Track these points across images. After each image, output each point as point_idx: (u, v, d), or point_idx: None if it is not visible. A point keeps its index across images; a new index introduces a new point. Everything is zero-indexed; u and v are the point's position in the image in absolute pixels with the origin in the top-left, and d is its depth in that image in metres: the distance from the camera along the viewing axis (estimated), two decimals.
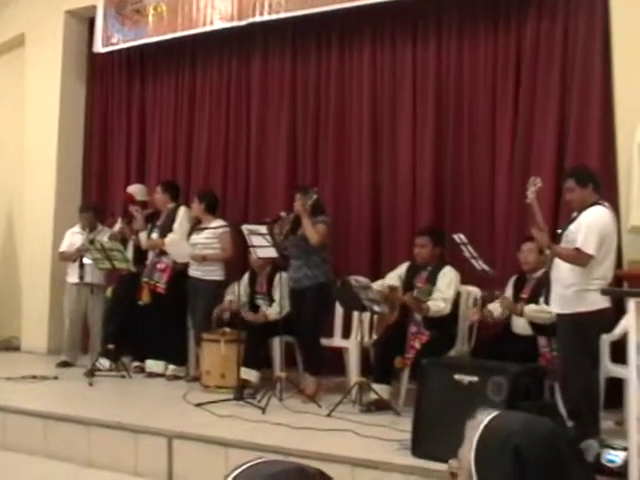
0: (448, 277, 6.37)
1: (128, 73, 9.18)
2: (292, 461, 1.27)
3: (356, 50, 7.68)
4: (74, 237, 8.35)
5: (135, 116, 9.09)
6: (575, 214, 5.19)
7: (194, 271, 7.42)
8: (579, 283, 5.01)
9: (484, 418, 1.61)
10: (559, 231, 5.19)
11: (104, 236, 8.07)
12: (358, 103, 7.65)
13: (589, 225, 5.02)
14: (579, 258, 4.98)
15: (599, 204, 5.13)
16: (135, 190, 8.16)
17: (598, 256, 5.00)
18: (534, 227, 5.21)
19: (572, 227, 5.10)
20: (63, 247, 8.41)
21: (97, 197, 9.15)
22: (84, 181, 9.39)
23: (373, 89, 7.57)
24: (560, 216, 6.16)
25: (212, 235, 7.41)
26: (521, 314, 5.89)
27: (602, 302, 4.97)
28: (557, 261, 5.14)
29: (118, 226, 8.03)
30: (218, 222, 7.50)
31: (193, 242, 7.42)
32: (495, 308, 6.09)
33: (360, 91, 7.64)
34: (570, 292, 5.04)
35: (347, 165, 7.70)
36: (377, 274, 6.91)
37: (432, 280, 6.39)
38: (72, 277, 8.25)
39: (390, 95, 7.49)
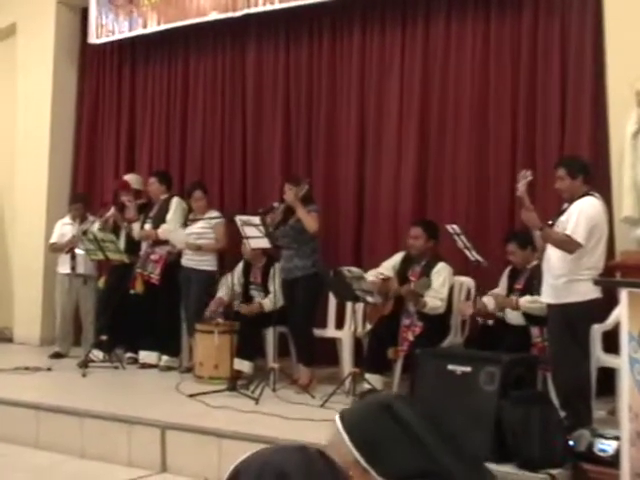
0: (442, 276, 6.36)
1: (120, 62, 9.14)
2: (293, 442, 1.35)
3: (346, 38, 7.68)
4: (64, 228, 8.32)
5: (126, 106, 9.05)
6: (566, 205, 5.21)
7: (187, 261, 7.42)
8: (569, 273, 5.02)
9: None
10: (550, 222, 5.19)
11: (95, 226, 8.05)
12: (347, 91, 7.65)
13: (579, 214, 5.03)
14: (568, 244, 4.99)
15: (590, 195, 5.15)
16: (131, 178, 8.14)
17: (588, 246, 5.01)
18: (523, 209, 5.16)
19: (563, 218, 5.11)
20: (54, 238, 8.38)
21: (84, 188, 9.11)
22: (73, 171, 9.37)
23: (362, 77, 7.57)
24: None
25: (207, 225, 7.41)
26: (517, 307, 5.89)
27: (593, 292, 4.98)
28: (548, 252, 5.16)
29: (110, 213, 8.00)
30: (213, 213, 7.50)
31: (188, 232, 7.42)
32: (489, 301, 6.09)
33: (349, 79, 7.64)
34: (561, 283, 5.05)
35: (337, 152, 7.69)
36: (359, 265, 6.91)
37: (426, 274, 6.38)
38: (63, 268, 8.22)
39: (378, 83, 7.49)
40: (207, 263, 7.42)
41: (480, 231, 6.81)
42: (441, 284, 6.33)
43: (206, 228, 7.41)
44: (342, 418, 1.62)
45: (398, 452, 1.53)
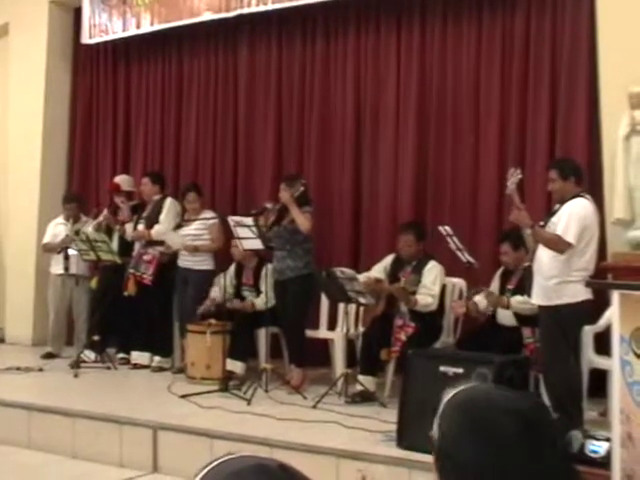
0: (433, 273, 6.38)
1: (114, 62, 9.13)
2: (254, 456, 1.24)
3: (341, 39, 7.68)
4: (57, 228, 8.31)
5: (121, 106, 9.05)
6: (557, 206, 5.23)
7: (184, 261, 7.42)
8: (560, 275, 5.04)
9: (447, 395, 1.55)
10: (541, 223, 5.22)
11: (88, 227, 8.04)
12: (342, 92, 7.65)
13: (570, 215, 5.06)
14: (558, 243, 5.01)
15: (580, 196, 5.17)
16: (121, 180, 8.14)
17: (578, 247, 5.03)
18: (513, 209, 5.18)
19: (554, 219, 5.14)
20: (46, 238, 8.37)
21: (79, 188, 9.11)
22: (68, 172, 9.35)
23: (357, 78, 7.57)
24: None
25: (203, 226, 7.40)
26: (507, 307, 5.91)
27: (583, 294, 5.00)
28: (538, 253, 5.17)
29: (102, 216, 8.00)
30: (208, 213, 7.50)
31: (183, 234, 7.41)
32: (480, 301, 6.11)
33: (344, 80, 7.64)
34: (551, 284, 5.07)
35: (331, 154, 7.69)
36: (357, 266, 6.93)
37: (417, 274, 6.39)
38: (56, 268, 8.21)
39: (373, 84, 7.49)
40: (204, 263, 7.41)
41: (471, 232, 6.83)
42: (432, 281, 6.34)
43: (201, 229, 7.41)
44: (448, 403, 1.54)
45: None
